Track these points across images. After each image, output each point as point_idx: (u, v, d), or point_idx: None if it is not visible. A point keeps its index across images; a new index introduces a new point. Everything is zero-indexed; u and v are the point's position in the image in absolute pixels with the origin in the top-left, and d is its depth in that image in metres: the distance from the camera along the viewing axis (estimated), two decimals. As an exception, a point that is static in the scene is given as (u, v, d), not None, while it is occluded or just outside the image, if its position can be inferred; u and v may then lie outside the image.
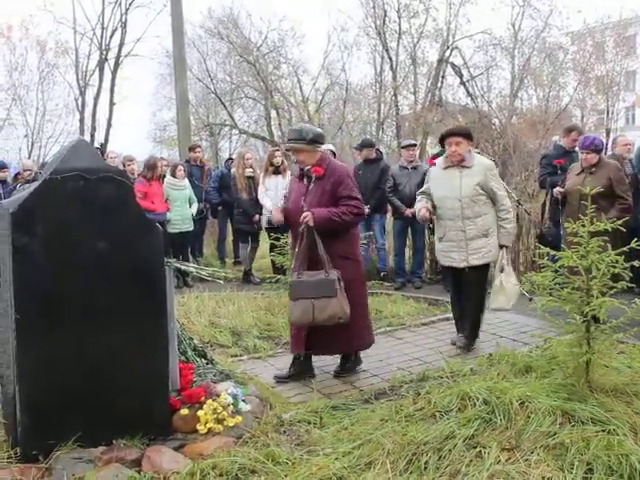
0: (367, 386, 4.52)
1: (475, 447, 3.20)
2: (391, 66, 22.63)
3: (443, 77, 22.69)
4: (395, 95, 22.27)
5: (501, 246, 5.27)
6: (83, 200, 3.25)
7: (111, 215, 3.32)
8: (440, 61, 22.33)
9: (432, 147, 20.78)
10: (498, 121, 20.55)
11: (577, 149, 6.93)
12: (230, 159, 10.85)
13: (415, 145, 9.09)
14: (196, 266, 4.35)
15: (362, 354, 5.26)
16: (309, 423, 3.75)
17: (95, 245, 3.28)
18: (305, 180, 4.63)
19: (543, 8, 22.53)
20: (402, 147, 8.93)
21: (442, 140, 5.46)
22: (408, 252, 8.87)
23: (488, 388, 3.71)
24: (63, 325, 3.21)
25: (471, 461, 3.08)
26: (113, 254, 3.31)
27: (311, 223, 4.37)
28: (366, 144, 9.06)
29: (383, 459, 3.13)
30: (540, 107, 21.30)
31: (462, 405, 3.65)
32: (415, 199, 8.11)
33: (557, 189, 6.55)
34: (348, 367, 4.86)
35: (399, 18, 22.41)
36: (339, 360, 4.92)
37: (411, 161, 8.40)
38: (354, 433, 3.51)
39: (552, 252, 3.95)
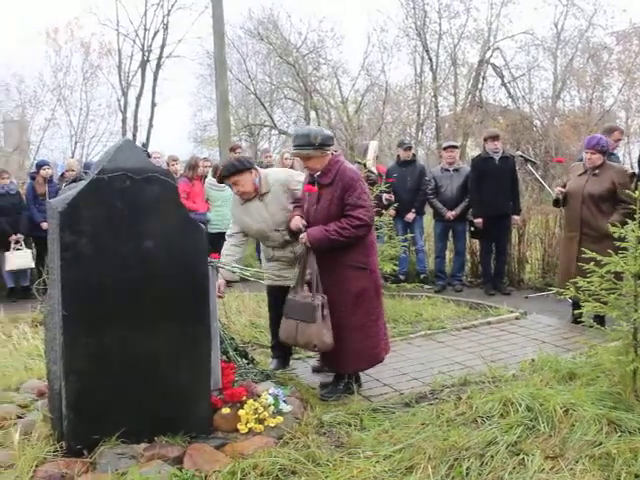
0: (408, 389, 4.48)
1: (518, 454, 3.16)
2: (431, 67, 22.53)
3: (484, 78, 22.52)
4: (435, 96, 22.16)
5: None
6: (129, 200, 3.29)
7: (157, 215, 3.35)
8: (481, 62, 22.15)
9: (472, 149, 20.65)
10: (540, 123, 20.33)
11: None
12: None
13: (456, 147, 9.02)
14: (240, 266, 4.37)
15: (403, 357, 5.25)
16: (349, 425, 3.74)
17: (141, 244, 3.32)
18: (316, 186, 4.33)
19: (587, 7, 22.16)
20: (443, 148, 8.88)
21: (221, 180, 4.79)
22: (449, 255, 8.80)
23: (531, 394, 3.66)
24: (109, 323, 3.26)
25: (514, 468, 3.04)
26: (159, 253, 3.35)
27: (308, 245, 4.21)
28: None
29: (424, 464, 3.11)
30: (583, 109, 21.00)
31: (504, 411, 3.61)
32: (457, 201, 8.13)
33: (558, 189, 6.31)
34: (339, 390, 4.40)
35: (439, 18, 22.33)
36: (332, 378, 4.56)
37: (452, 162, 8.32)
38: (395, 436, 3.49)
39: (598, 257, 3.86)
